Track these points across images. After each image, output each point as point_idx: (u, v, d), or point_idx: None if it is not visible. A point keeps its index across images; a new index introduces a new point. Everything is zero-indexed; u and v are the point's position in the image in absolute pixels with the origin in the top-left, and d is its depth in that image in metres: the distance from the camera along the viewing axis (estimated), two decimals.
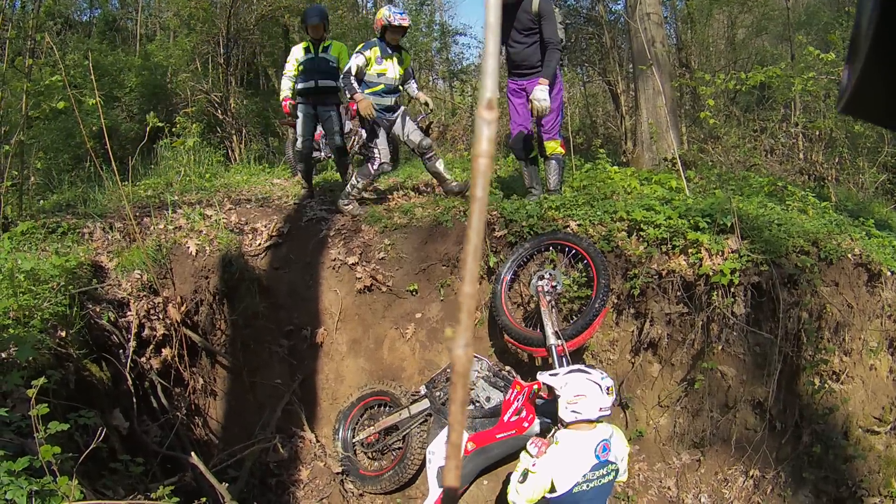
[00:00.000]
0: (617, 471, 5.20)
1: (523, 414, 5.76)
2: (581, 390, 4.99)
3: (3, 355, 4.70)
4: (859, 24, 1.00)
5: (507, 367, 6.44)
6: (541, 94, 7.34)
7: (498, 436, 5.89)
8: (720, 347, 6.33)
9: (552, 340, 5.92)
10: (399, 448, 6.84)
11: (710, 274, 6.16)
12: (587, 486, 4.98)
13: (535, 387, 5.77)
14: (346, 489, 6.90)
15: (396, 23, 7.97)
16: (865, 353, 6.18)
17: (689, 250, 6.32)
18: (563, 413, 5.10)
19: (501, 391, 6.12)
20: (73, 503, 3.29)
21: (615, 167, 9.04)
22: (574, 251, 6.45)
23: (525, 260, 6.79)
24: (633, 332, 6.72)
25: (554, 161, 7.87)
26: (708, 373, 6.33)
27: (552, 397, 5.38)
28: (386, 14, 8.05)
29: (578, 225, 6.81)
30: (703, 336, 6.34)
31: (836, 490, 5.97)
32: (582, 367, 5.18)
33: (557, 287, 6.28)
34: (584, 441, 5.02)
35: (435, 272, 7.36)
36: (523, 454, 5.19)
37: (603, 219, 6.81)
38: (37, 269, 5.79)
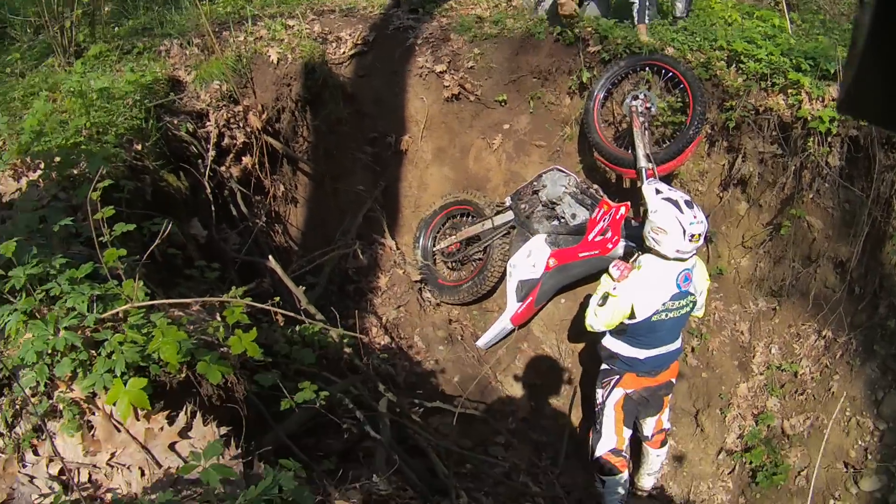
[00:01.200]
0: (694, 303, 5.13)
1: (608, 235, 5.58)
2: (665, 226, 4.75)
3: (76, 171, 4.57)
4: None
5: (595, 186, 6.16)
6: None
7: (581, 254, 5.77)
8: (810, 197, 6.00)
9: (643, 163, 5.60)
10: (479, 259, 6.71)
11: (809, 118, 5.69)
12: (666, 315, 4.94)
13: (623, 209, 5.57)
14: (424, 298, 6.89)
15: None
16: None
17: (789, 91, 5.83)
18: (646, 234, 4.93)
19: (588, 209, 5.93)
20: (137, 304, 3.11)
21: None
22: (671, 74, 6.00)
23: (620, 78, 6.34)
24: (724, 165, 6.38)
25: None
26: (795, 220, 6.07)
27: (642, 221, 5.17)
28: None
29: (676, 50, 6.32)
30: (794, 182, 6.00)
31: None
32: (682, 200, 4.80)
33: (652, 109, 5.90)
34: (667, 269, 4.89)
35: (525, 84, 6.93)
36: (605, 277, 5.10)
37: (702, 46, 6.30)
38: (110, 87, 5.59)
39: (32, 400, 2.96)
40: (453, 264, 6.98)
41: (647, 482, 5.87)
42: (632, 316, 4.90)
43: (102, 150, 4.78)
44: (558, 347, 6.63)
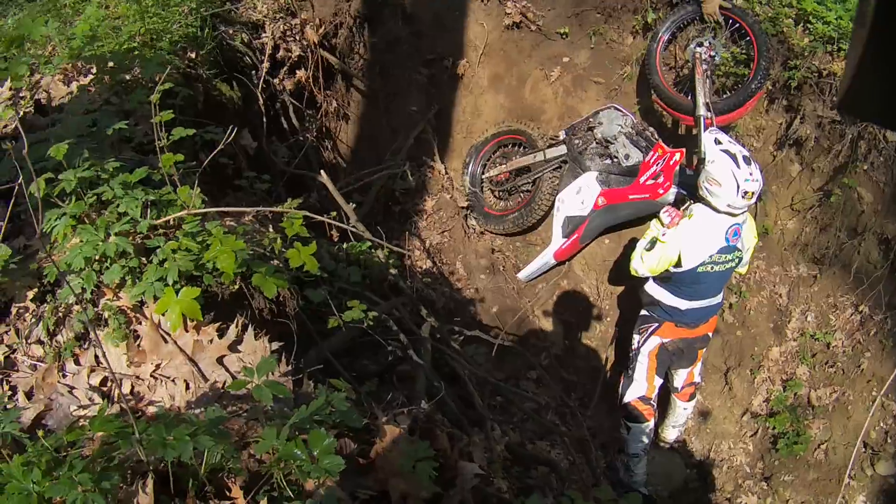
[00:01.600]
0: (740, 259, 4.99)
1: (660, 179, 5.41)
2: (720, 178, 4.58)
3: (128, 77, 4.38)
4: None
5: (651, 129, 5.90)
6: None
7: (630, 196, 5.63)
8: (864, 168, 5.76)
9: (702, 111, 5.38)
10: (528, 191, 6.48)
11: None
12: (711, 267, 4.82)
13: (678, 155, 5.35)
14: (469, 224, 6.70)
15: None
16: None
17: None
18: (700, 183, 4.75)
19: (642, 152, 5.70)
20: (194, 211, 2.93)
21: None
22: (738, 25, 5.72)
23: (685, 23, 6.06)
24: (781, 124, 6.12)
25: None
26: (846, 190, 5.84)
27: (696, 169, 4.99)
28: None
29: (745, 1, 6.01)
30: (849, 150, 5.77)
31: None
32: (741, 155, 4.58)
33: (716, 57, 5.63)
34: (718, 221, 4.75)
35: (588, 18, 6.61)
36: (654, 222, 4.95)
37: (771, 1, 6.03)
38: None
39: (76, 308, 2.79)
40: (501, 193, 6.75)
41: (670, 434, 5.79)
42: (678, 264, 4.78)
43: (156, 56, 4.61)
44: (597, 288, 6.48)
